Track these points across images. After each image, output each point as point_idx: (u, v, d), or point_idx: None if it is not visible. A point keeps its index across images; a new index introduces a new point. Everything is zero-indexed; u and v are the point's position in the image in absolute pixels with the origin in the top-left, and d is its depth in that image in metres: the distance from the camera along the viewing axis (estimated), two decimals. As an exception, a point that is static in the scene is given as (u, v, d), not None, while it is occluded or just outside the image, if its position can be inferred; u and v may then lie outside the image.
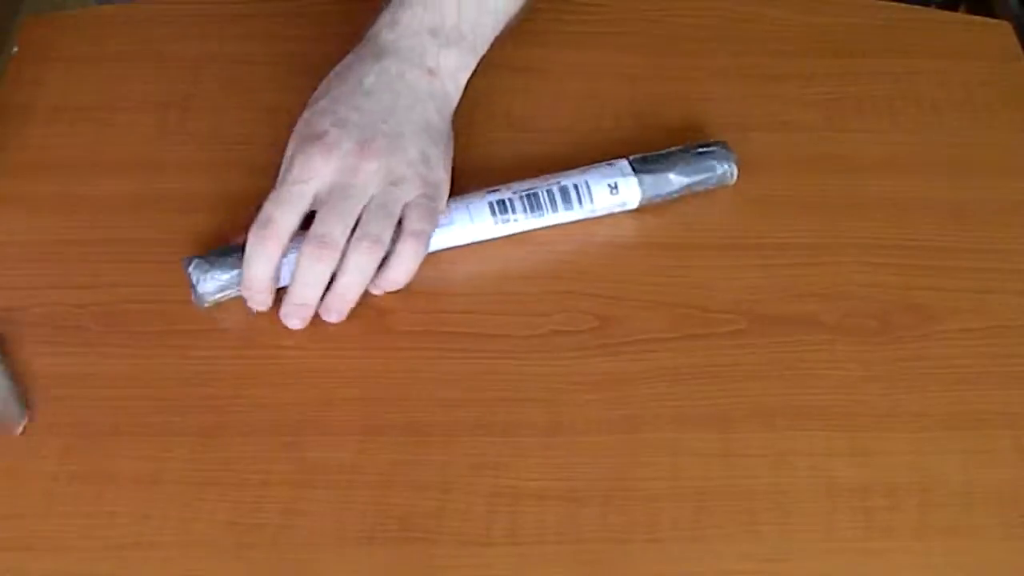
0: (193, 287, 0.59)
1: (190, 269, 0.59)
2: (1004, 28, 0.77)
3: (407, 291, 0.62)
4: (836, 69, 0.74)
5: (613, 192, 0.63)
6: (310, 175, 0.59)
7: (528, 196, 0.63)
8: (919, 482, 0.56)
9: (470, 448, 0.57)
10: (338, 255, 0.58)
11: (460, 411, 0.58)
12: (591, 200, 0.63)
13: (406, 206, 0.60)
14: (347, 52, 0.64)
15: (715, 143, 0.66)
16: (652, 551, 0.54)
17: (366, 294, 0.60)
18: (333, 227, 0.58)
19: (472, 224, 0.62)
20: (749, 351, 0.61)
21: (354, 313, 0.61)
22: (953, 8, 0.92)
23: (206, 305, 0.60)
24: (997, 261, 0.65)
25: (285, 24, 0.75)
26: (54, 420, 0.57)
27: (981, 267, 0.65)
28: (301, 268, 0.58)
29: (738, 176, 0.66)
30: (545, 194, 0.63)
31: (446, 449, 0.57)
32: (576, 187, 0.63)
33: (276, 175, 0.61)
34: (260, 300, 0.60)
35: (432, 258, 0.63)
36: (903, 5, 0.78)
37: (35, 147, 0.68)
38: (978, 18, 0.80)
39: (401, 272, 0.60)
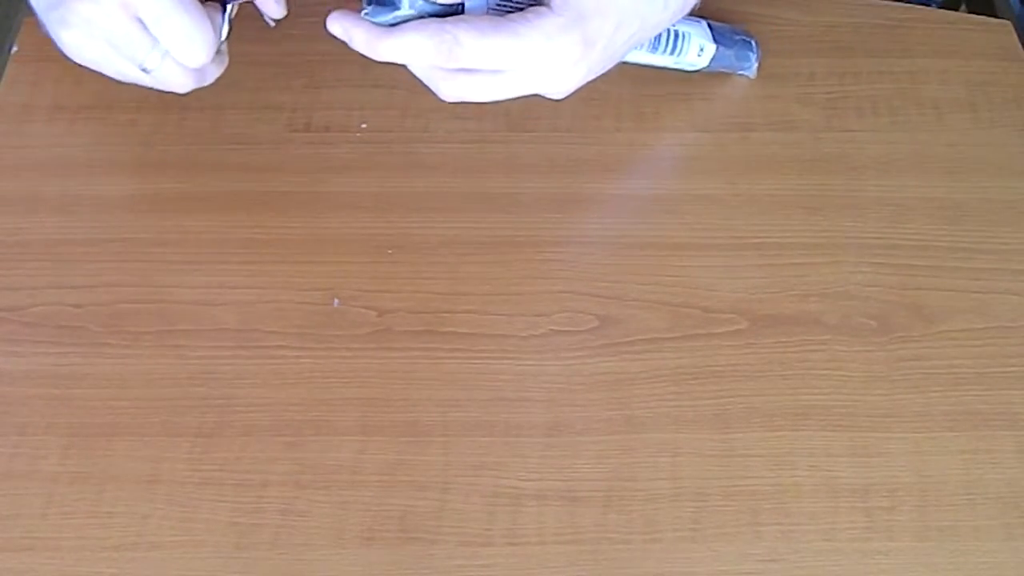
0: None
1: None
2: (1004, 28, 0.77)
3: (407, 291, 0.62)
4: (836, 69, 0.74)
5: (699, 55, 0.68)
6: None
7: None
8: (919, 482, 0.56)
9: (470, 448, 0.57)
10: None
11: (460, 411, 0.58)
12: (684, 52, 0.67)
13: None
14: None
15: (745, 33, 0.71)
16: (652, 551, 0.54)
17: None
18: None
19: None
20: (749, 351, 0.61)
21: (354, 313, 0.61)
22: (954, 8, 0.92)
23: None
24: (997, 261, 0.65)
25: (285, 24, 0.75)
26: (54, 420, 0.57)
27: (981, 267, 0.65)
28: None
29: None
30: (668, 34, 0.66)
31: (446, 449, 0.57)
32: (683, 36, 0.66)
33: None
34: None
35: (433, 256, 0.63)
36: (903, 5, 0.78)
37: (35, 147, 0.68)
38: (978, 18, 0.79)
39: None
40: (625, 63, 0.65)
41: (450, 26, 0.51)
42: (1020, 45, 0.76)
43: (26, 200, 0.66)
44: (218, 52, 0.57)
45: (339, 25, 0.53)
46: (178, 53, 0.55)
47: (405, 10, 0.53)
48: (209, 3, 0.55)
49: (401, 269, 0.63)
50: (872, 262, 0.65)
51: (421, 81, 0.56)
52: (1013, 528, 0.55)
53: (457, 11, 0.53)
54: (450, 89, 0.55)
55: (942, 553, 0.54)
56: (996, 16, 0.81)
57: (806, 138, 0.70)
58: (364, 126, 0.69)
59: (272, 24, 0.59)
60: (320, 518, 0.54)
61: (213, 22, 0.55)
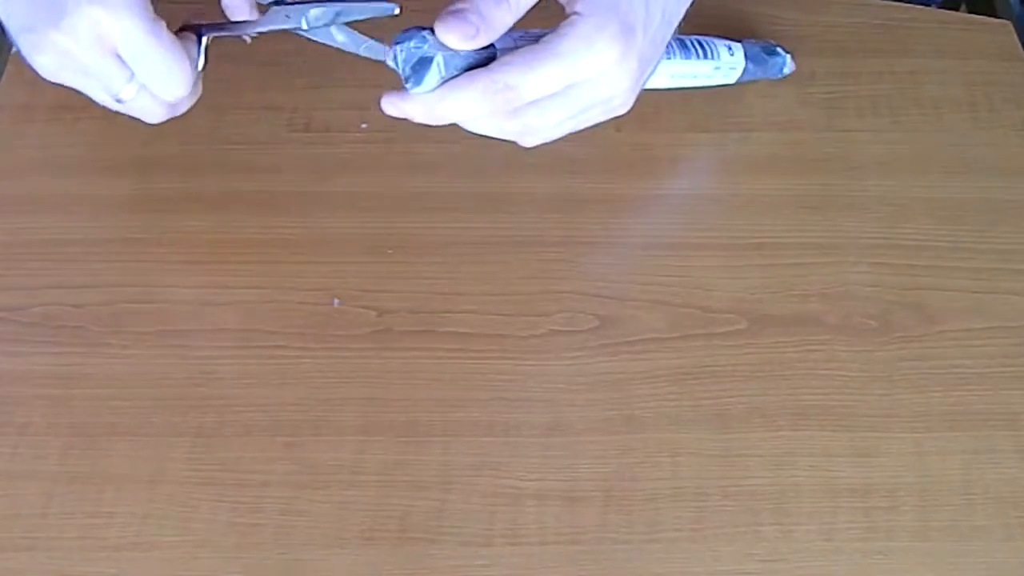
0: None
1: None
2: (1004, 28, 0.77)
3: (407, 291, 0.62)
4: (836, 69, 0.74)
5: (731, 54, 0.69)
6: None
7: (678, 41, 0.67)
8: (919, 482, 0.56)
9: (470, 448, 0.57)
10: None
11: (460, 411, 0.58)
12: (717, 55, 0.68)
13: None
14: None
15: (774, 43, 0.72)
16: (652, 551, 0.54)
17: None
18: None
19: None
20: (749, 351, 0.61)
21: (354, 313, 0.61)
22: (954, 8, 0.92)
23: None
24: (997, 261, 0.65)
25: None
26: (54, 420, 0.57)
27: (981, 267, 0.65)
28: None
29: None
30: (690, 43, 0.68)
31: (446, 449, 0.57)
32: (705, 42, 0.69)
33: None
34: None
35: (433, 256, 0.63)
36: (904, 5, 0.78)
37: (35, 147, 0.68)
38: (978, 18, 0.80)
39: None
40: (672, 89, 0.66)
41: (495, 73, 0.51)
42: (1020, 45, 0.76)
43: (26, 200, 0.66)
44: (192, 84, 0.57)
45: (394, 107, 0.53)
46: (156, 88, 0.55)
47: (436, 68, 0.52)
48: (184, 34, 0.55)
49: (401, 269, 0.63)
50: (872, 262, 0.65)
51: (500, 139, 0.55)
52: (1013, 528, 0.55)
53: (492, 55, 0.52)
54: (518, 125, 0.54)
55: (942, 553, 0.54)
56: (996, 16, 0.81)
57: (806, 138, 0.70)
58: (364, 126, 0.69)
59: (247, 41, 0.58)
60: (320, 518, 0.54)
61: (189, 55, 0.54)
